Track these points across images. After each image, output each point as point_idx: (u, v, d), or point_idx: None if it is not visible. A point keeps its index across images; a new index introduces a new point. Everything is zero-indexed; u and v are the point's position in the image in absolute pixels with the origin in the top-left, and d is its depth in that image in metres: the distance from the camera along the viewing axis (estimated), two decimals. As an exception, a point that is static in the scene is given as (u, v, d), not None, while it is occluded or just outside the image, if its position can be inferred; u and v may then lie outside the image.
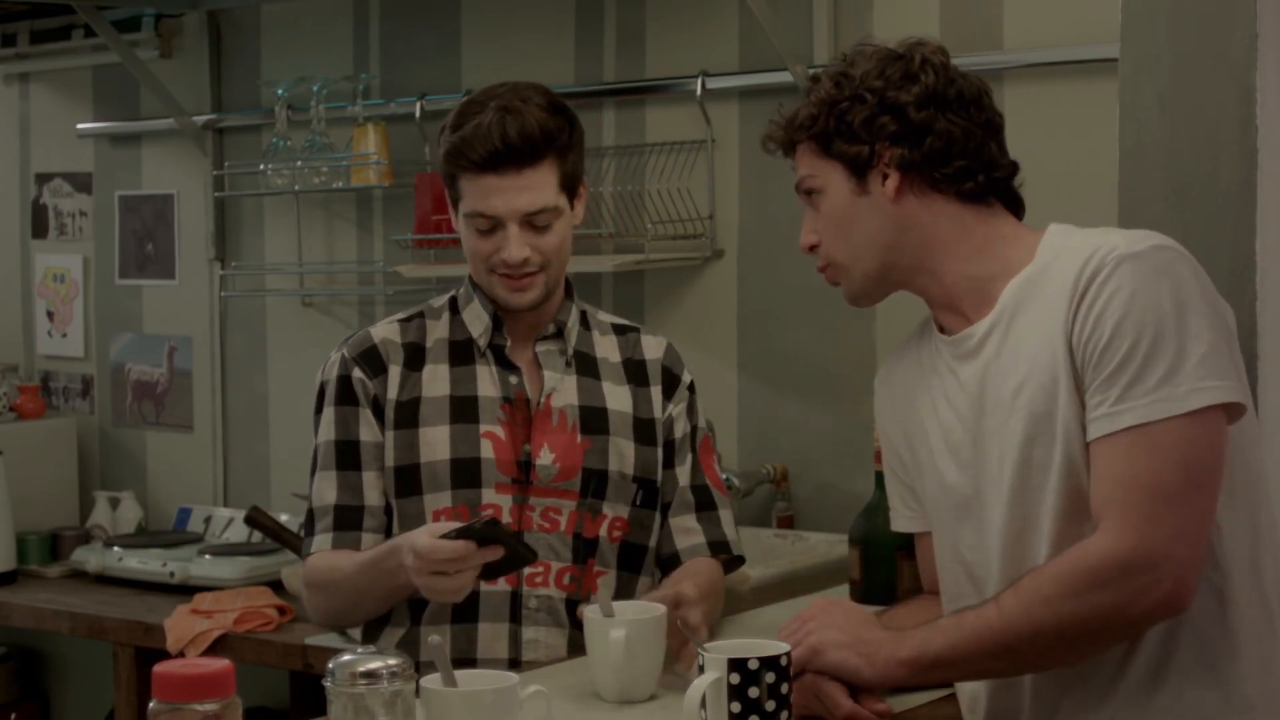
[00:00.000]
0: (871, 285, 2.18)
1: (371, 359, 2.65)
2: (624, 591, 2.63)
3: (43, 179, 5.04)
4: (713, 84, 3.81)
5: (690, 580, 2.51)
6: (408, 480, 2.61)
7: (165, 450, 4.81)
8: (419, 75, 4.29)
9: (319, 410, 2.67)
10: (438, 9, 4.28)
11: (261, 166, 4.34)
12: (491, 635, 2.59)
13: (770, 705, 1.98)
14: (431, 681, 1.97)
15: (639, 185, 3.92)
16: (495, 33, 4.19)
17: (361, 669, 1.87)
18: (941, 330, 2.18)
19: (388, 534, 2.60)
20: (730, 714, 1.97)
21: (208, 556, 4.19)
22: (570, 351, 2.68)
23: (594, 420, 2.65)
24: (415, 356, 2.66)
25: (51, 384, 5.03)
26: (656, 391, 2.71)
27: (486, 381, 2.64)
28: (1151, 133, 2.25)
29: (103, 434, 4.93)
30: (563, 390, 2.66)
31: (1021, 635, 1.97)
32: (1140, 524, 1.93)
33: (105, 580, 4.33)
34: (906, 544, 2.44)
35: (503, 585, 2.58)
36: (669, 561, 2.68)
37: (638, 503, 2.66)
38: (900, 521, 2.31)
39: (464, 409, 2.62)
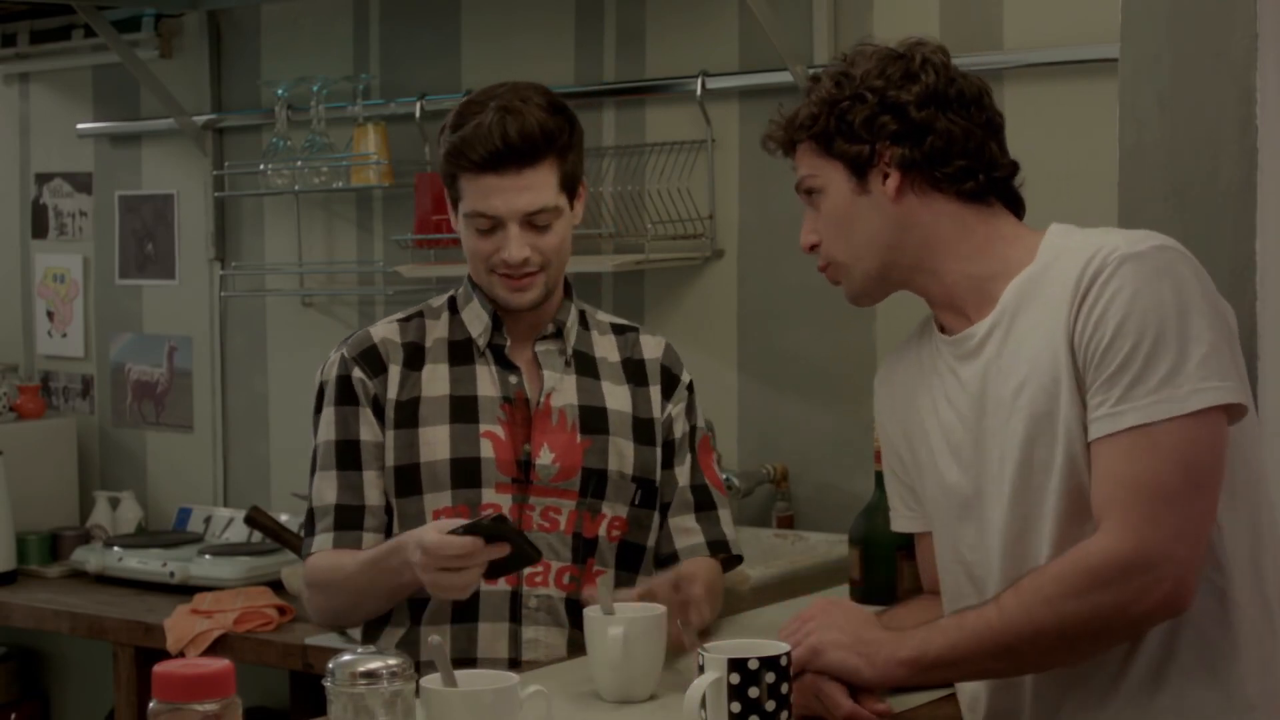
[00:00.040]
0: (872, 285, 2.18)
1: (371, 359, 2.65)
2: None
3: (43, 179, 5.03)
4: (713, 84, 3.81)
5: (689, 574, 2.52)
6: (408, 480, 2.61)
7: (165, 450, 4.81)
8: (419, 75, 4.29)
9: (319, 410, 2.67)
10: (438, 9, 4.28)
11: (261, 166, 4.34)
12: (491, 635, 2.59)
13: (770, 705, 1.97)
14: (431, 681, 1.97)
15: (639, 185, 3.92)
16: (495, 33, 4.19)
17: (361, 669, 1.86)
18: (942, 330, 2.18)
19: (388, 534, 2.60)
20: (730, 714, 1.97)
21: (208, 556, 4.19)
22: (569, 351, 2.68)
23: (593, 420, 2.65)
24: (415, 356, 2.66)
25: (51, 384, 5.02)
26: (655, 391, 2.72)
27: (486, 381, 2.64)
28: (1151, 133, 2.25)
29: (103, 434, 4.93)
30: (562, 390, 2.66)
31: (1022, 635, 1.97)
32: (1141, 524, 1.93)
33: (105, 580, 4.33)
34: (906, 544, 2.44)
35: (503, 585, 2.58)
36: (668, 561, 2.68)
37: (636, 502, 2.66)
38: (900, 521, 2.31)
39: (464, 409, 2.62)
